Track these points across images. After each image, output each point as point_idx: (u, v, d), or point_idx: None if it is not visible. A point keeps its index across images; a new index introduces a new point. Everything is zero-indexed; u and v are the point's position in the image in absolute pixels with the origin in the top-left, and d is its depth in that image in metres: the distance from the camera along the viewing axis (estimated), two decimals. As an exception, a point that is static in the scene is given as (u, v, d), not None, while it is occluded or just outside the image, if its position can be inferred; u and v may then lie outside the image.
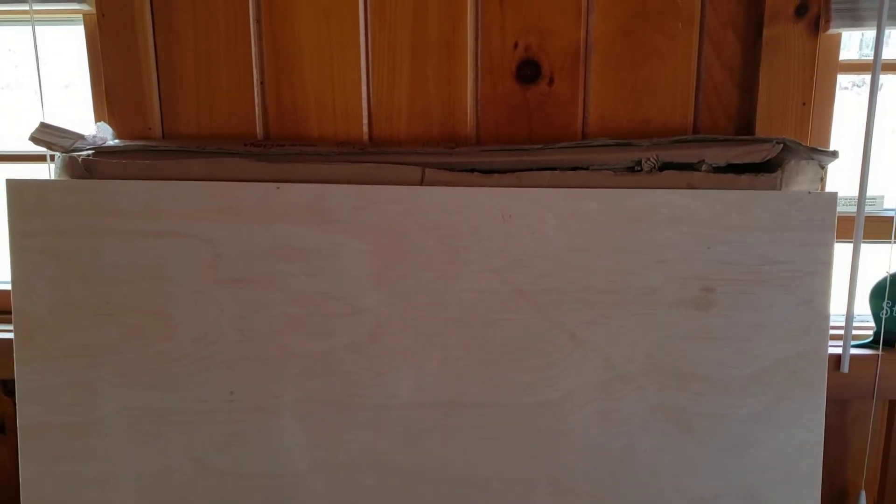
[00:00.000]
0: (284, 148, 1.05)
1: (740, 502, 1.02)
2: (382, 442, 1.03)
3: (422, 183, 1.01)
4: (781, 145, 0.99)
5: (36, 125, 1.04)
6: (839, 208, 1.01)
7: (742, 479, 1.01)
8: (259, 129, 1.12)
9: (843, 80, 1.22)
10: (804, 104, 1.05)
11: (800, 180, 1.00)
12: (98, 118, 1.15)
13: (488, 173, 1.01)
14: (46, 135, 1.03)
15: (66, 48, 1.27)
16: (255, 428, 1.03)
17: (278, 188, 1.00)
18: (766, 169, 1.00)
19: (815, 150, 1.00)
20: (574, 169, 1.01)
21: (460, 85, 1.09)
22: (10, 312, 1.03)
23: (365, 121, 1.11)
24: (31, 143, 1.04)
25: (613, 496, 1.03)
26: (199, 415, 1.03)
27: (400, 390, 1.02)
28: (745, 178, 0.99)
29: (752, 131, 1.07)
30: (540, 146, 1.03)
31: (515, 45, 1.07)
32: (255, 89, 1.11)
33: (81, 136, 1.06)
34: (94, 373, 1.02)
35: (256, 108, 1.11)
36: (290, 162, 1.02)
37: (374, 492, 1.04)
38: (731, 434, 1.01)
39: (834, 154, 1.02)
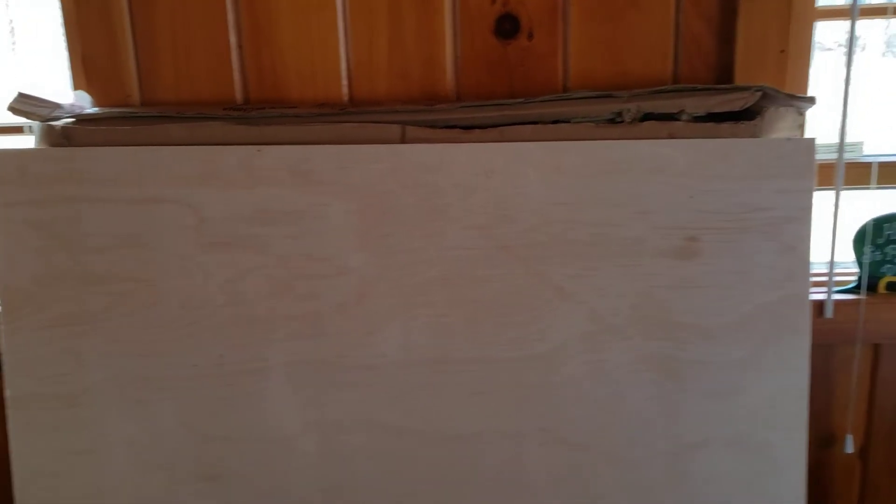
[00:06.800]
0: (264, 111, 1.05)
1: (729, 447, 1.03)
2: (372, 401, 1.04)
3: (402, 141, 1.01)
4: (760, 93, 0.99)
5: (13, 95, 1.03)
6: (819, 156, 1.02)
7: (730, 424, 1.02)
8: (238, 94, 1.11)
9: (826, 40, 1.23)
10: (782, 51, 1.06)
11: (779, 127, 1.01)
12: (76, 86, 1.14)
13: (469, 129, 1.01)
14: (24, 104, 1.02)
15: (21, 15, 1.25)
16: (245, 391, 1.04)
17: (259, 151, 0.99)
18: (746, 117, 1.00)
19: (793, 96, 1.01)
20: (555, 122, 1.01)
21: (439, 42, 1.09)
22: (-7, 285, 1.02)
23: (345, 82, 1.11)
24: (8, 114, 1.03)
25: (604, 445, 1.04)
26: (190, 380, 1.03)
27: (388, 349, 1.03)
28: (725, 126, 0.99)
29: (731, 80, 1.08)
30: (521, 100, 1.03)
31: (493, 1, 1.07)
32: (234, 53, 1.10)
33: (59, 105, 1.05)
34: (81, 342, 1.02)
35: (235, 72, 1.11)
36: (270, 124, 1.02)
37: (365, 451, 1.05)
38: (718, 380, 1.02)
39: (811, 100, 1.03)
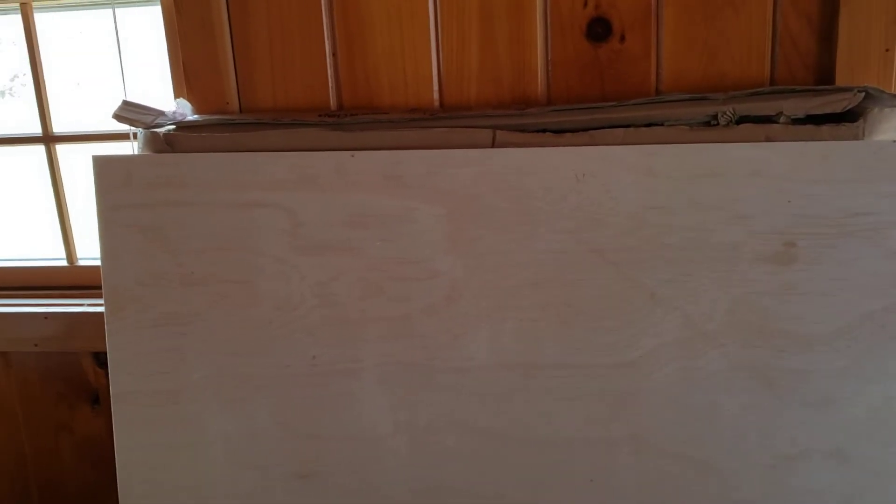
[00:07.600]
0: (357, 117, 1.07)
1: (828, 459, 1.00)
2: (462, 404, 1.04)
3: (493, 145, 1.01)
4: (863, 94, 0.96)
5: (118, 103, 1.07)
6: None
7: (829, 435, 0.99)
8: (332, 100, 1.14)
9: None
10: (888, 50, 1.02)
11: (884, 129, 0.97)
12: (177, 95, 1.18)
13: (560, 133, 1.01)
14: (129, 112, 1.07)
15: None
16: (337, 391, 1.05)
17: (353, 156, 1.01)
18: (848, 119, 0.97)
19: (900, 97, 0.97)
20: (648, 125, 1.00)
21: (530, 46, 1.09)
22: (100, 287, 1.07)
23: (435, 87, 1.12)
24: (113, 122, 1.07)
25: (697, 455, 1.02)
26: (284, 379, 1.06)
27: (477, 352, 1.03)
28: (825, 128, 0.96)
29: (831, 81, 1.04)
30: (613, 103, 1.02)
31: (585, 4, 1.07)
32: (328, 61, 1.12)
33: (162, 113, 1.10)
34: (183, 340, 1.06)
35: (329, 79, 1.13)
36: (363, 130, 1.04)
37: (455, 454, 1.05)
38: (817, 390, 0.99)
39: (920, 100, 0.99)
